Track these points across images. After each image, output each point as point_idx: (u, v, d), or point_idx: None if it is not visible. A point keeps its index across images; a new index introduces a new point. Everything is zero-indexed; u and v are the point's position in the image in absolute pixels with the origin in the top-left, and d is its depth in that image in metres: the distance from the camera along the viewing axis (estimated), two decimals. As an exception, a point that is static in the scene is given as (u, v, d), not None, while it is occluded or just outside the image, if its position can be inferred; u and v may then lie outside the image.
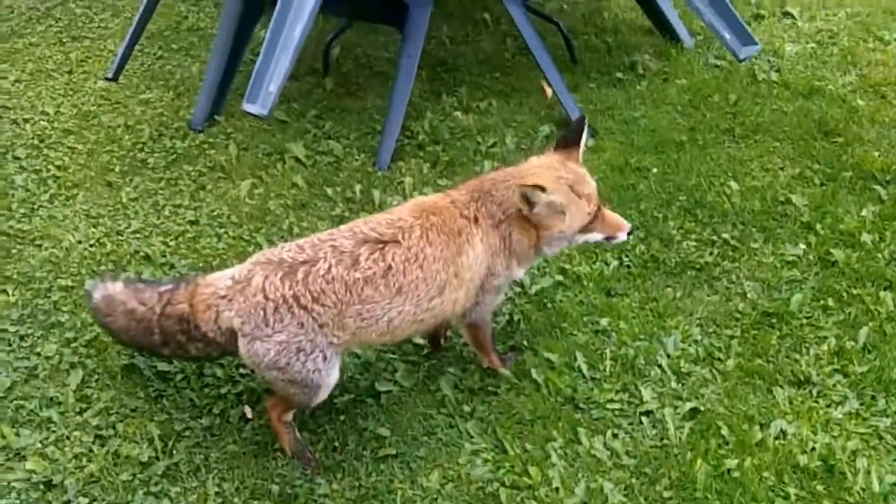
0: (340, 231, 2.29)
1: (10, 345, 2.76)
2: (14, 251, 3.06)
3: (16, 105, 3.85)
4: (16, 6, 4.59)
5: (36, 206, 3.27)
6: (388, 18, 3.74)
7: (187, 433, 2.49)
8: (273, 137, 3.56)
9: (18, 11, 4.56)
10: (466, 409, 2.52)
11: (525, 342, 2.71)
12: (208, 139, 3.57)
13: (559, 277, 2.92)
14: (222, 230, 3.14)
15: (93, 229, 3.16)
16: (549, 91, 3.81)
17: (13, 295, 2.91)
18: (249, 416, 2.52)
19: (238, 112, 3.66)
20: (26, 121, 3.76)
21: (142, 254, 3.05)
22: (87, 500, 2.35)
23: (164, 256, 3.04)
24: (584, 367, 2.61)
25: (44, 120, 3.74)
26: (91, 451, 2.46)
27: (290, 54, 2.92)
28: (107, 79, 3.61)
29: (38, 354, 2.73)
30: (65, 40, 4.32)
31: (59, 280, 2.98)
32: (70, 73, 4.06)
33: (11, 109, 3.83)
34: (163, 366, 2.66)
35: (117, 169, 3.43)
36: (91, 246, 3.12)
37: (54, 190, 3.34)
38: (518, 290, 2.88)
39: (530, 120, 3.70)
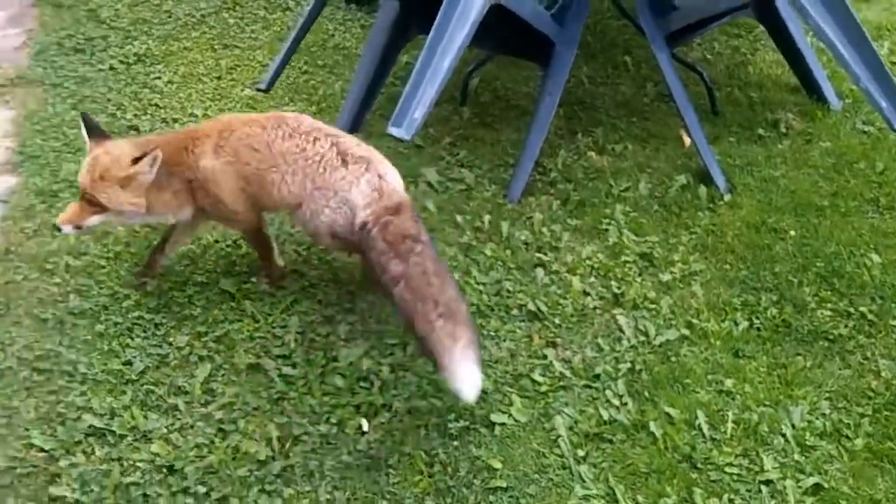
0: None
1: (145, 331, 2.94)
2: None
3: (167, 105, 4.10)
4: (174, 12, 4.89)
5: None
6: (532, 55, 3.84)
7: (304, 437, 2.61)
8: (407, 161, 3.68)
9: (175, 17, 4.85)
10: (580, 452, 2.56)
11: (646, 393, 2.73)
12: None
13: (685, 331, 2.93)
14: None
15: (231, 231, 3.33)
16: (687, 140, 3.83)
17: (151, 284, 3.09)
18: (366, 429, 2.62)
19: (376, 132, 3.81)
20: (175, 120, 4.00)
21: (275, 259, 3.20)
22: (204, 489, 2.47)
23: (295, 263, 3.19)
24: (705, 427, 2.61)
25: (192, 121, 3.97)
26: (212, 442, 2.59)
27: (437, 84, 3.04)
28: (259, 90, 3.81)
29: (170, 344, 2.90)
30: (216, 47, 4.58)
31: (194, 275, 3.15)
32: (219, 79, 4.30)
33: (162, 108, 4.08)
34: (287, 369, 2.80)
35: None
36: (227, 246, 3.29)
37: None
38: (642, 338, 2.90)
39: (666, 167, 3.73)
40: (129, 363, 2.84)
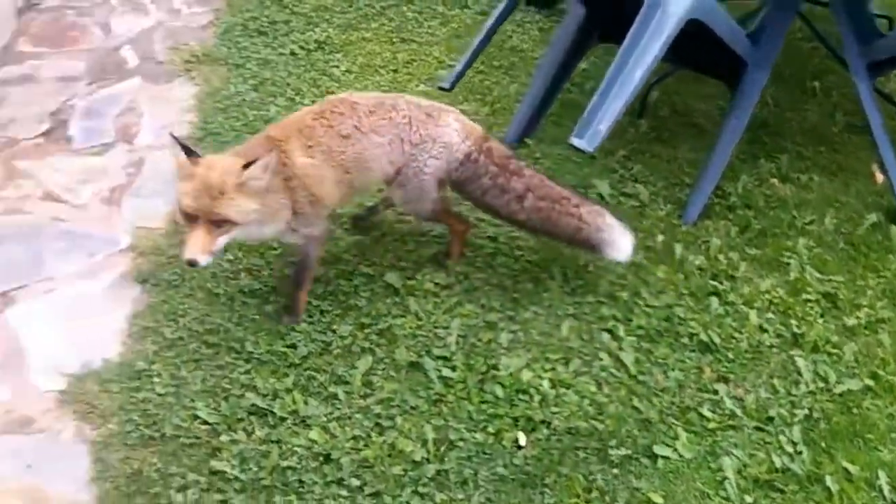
0: None
1: (311, 317, 2.99)
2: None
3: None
4: (354, 1, 4.97)
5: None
6: (721, 73, 3.70)
7: (460, 443, 2.58)
8: (580, 170, 3.61)
9: (356, 6, 4.93)
10: (748, 499, 2.44)
11: (823, 444, 2.57)
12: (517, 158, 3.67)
13: (869, 382, 2.76)
14: (520, 253, 3.22)
15: (398, 224, 3.34)
16: (879, 177, 3.62)
17: (319, 271, 3.13)
18: (522, 443, 2.58)
19: (548, 138, 3.77)
20: (351, 109, 4.05)
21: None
22: (358, 483, 2.49)
23: (459, 265, 3.18)
24: (886, 489, 2.45)
25: (367, 111, 4.01)
26: (369, 436, 2.61)
27: (626, 97, 2.95)
28: (441, 88, 3.80)
29: (334, 332, 2.94)
30: (394, 40, 4.62)
31: (360, 266, 3.19)
32: (395, 71, 4.35)
33: (339, 96, 4.14)
34: (447, 371, 2.78)
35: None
36: (394, 240, 3.31)
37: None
38: (821, 384, 2.74)
39: (855, 203, 3.52)
40: (293, 346, 2.89)
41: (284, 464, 2.54)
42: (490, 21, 3.67)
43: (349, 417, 2.68)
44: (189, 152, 2.61)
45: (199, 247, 2.54)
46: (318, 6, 4.95)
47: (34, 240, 3.49)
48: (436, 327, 2.96)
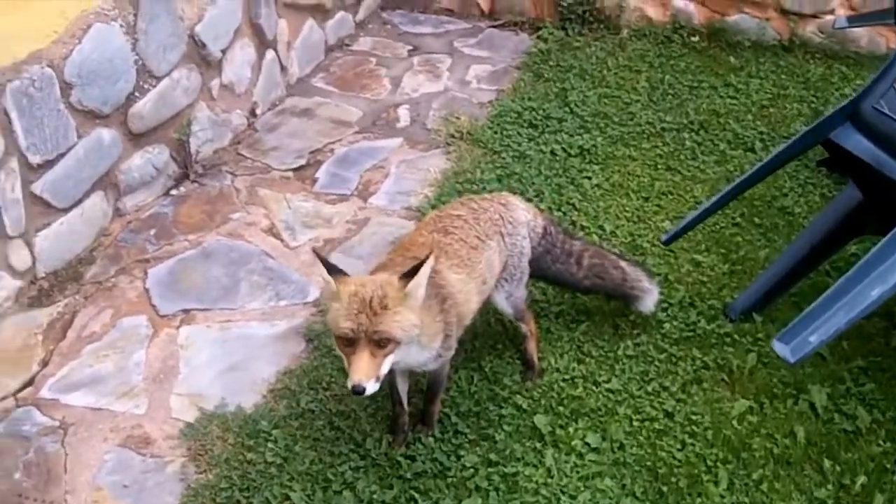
0: None
1: (443, 433, 2.95)
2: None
3: (582, 208, 4.13)
4: (637, 116, 4.93)
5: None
6: None
7: None
8: (800, 367, 3.25)
9: (636, 121, 4.89)
10: None
11: None
12: (734, 333, 3.40)
13: None
14: (689, 440, 2.96)
15: (575, 364, 3.20)
16: None
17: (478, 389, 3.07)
18: None
19: (779, 320, 3.44)
20: (580, 226, 4.00)
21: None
22: None
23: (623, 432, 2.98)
24: None
25: (598, 233, 3.94)
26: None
27: (852, 315, 2.60)
28: (662, 241, 3.60)
29: (459, 458, 2.91)
30: (659, 166, 4.50)
31: (517, 396, 3.10)
32: (646, 199, 4.23)
33: (576, 210, 4.12)
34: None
35: (629, 317, 3.45)
36: (564, 380, 3.18)
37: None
38: None
39: None
40: (411, 458, 2.89)
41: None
42: (749, 172, 3.39)
43: (429, 557, 2.58)
44: (333, 270, 2.49)
45: (366, 372, 2.38)
46: (598, 112, 4.95)
47: (239, 268, 3.78)
48: (563, 492, 2.78)
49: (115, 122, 3.91)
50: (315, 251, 2.64)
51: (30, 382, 3.15)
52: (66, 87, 3.59)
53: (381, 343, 2.41)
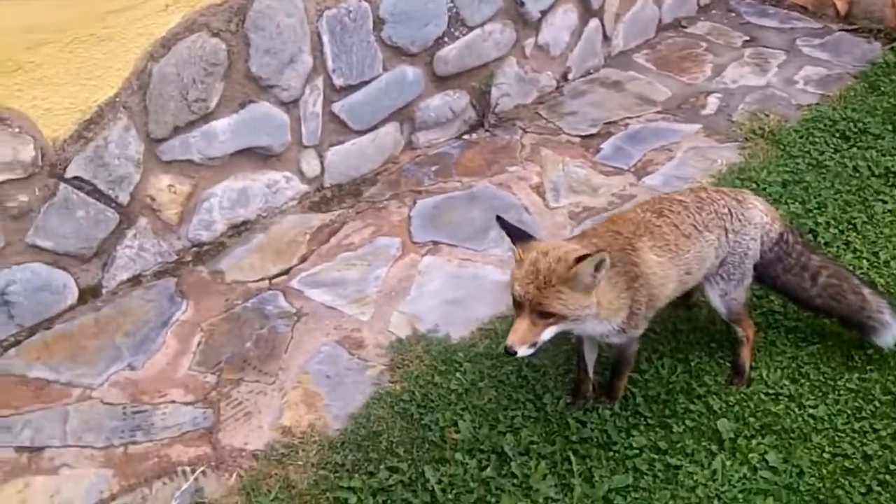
0: None
1: (625, 408, 3.01)
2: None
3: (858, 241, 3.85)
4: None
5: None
6: None
7: None
8: None
9: None
10: None
11: None
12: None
13: None
14: (877, 488, 2.78)
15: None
16: None
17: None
18: None
19: None
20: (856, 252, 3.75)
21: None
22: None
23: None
24: None
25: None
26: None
27: None
28: None
29: (629, 437, 2.95)
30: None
31: (714, 397, 3.07)
32: None
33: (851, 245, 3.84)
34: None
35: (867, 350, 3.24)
36: (769, 396, 3.09)
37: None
38: None
39: None
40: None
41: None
42: None
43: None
44: (521, 236, 2.58)
45: (521, 337, 2.47)
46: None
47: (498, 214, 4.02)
48: (719, 498, 2.75)
49: (421, 62, 4.30)
50: (499, 217, 2.66)
51: (286, 272, 3.65)
52: (379, 22, 4.01)
53: (544, 315, 2.48)
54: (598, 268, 2.49)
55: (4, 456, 2.88)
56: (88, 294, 3.48)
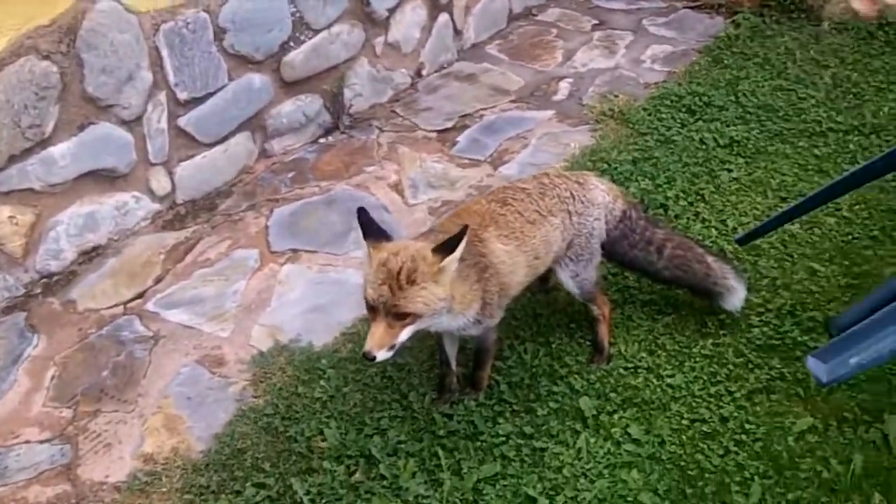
0: None
1: (489, 398, 3.05)
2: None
3: (710, 200, 3.99)
4: (806, 113, 4.67)
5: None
6: None
7: None
8: (885, 396, 3.06)
9: (804, 118, 4.65)
10: None
11: None
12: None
13: None
14: (734, 448, 2.89)
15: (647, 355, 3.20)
16: None
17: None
18: None
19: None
20: (691, 216, 3.88)
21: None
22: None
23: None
24: None
25: (704, 224, 3.82)
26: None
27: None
28: (736, 241, 3.53)
29: (496, 424, 2.96)
30: (809, 168, 4.28)
31: (574, 377, 3.16)
32: (783, 199, 4.03)
33: (703, 203, 3.99)
34: (547, 524, 2.65)
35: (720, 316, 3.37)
36: (628, 370, 3.18)
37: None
38: None
39: None
40: (448, 417, 2.98)
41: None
42: (839, 177, 3.22)
43: (436, 510, 2.71)
44: (375, 233, 2.56)
45: (377, 342, 2.44)
46: (764, 104, 4.77)
47: (355, 217, 3.96)
48: (585, 475, 2.82)
49: (268, 68, 4.26)
50: (361, 209, 2.60)
51: (141, 294, 3.57)
52: (220, 32, 3.96)
53: (400, 316, 2.47)
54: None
55: None
56: (-69, 338, 3.34)
